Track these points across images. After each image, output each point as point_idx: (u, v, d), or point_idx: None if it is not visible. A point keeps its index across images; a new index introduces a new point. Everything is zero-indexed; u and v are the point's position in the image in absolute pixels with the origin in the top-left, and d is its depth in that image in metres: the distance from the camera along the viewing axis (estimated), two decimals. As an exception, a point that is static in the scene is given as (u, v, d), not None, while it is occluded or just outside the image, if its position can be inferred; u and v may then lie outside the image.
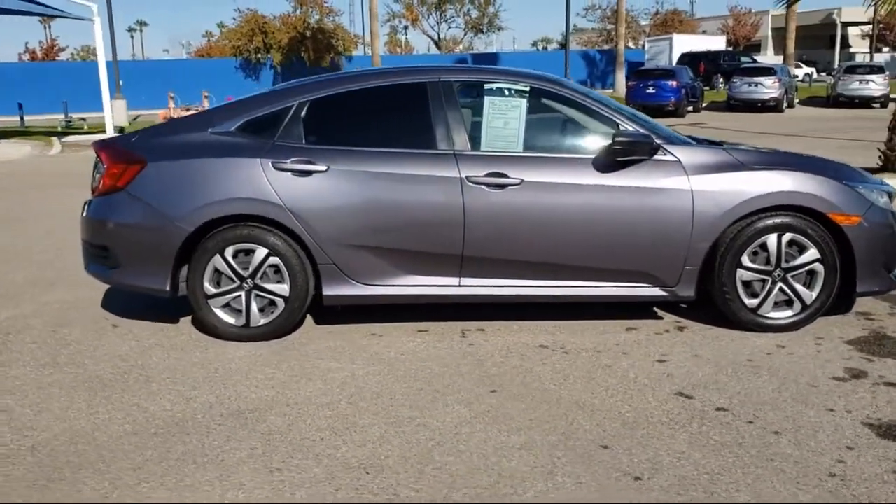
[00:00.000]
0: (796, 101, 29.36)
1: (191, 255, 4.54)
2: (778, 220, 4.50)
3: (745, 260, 4.54)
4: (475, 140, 4.61)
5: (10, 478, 3.10)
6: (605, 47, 48.15)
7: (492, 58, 43.24)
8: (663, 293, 4.62)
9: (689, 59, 32.96)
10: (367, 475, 3.07)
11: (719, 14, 56.85)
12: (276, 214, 4.46)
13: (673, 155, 4.53)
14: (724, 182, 4.50)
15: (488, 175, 4.47)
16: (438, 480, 3.02)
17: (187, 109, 25.94)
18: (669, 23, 49.25)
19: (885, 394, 3.74)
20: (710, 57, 33.50)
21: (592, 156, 4.56)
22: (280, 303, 4.57)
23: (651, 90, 24.80)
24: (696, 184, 4.48)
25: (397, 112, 4.75)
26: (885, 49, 57.82)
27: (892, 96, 28.57)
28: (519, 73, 4.89)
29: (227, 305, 4.59)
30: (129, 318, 5.10)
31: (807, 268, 4.55)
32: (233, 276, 4.53)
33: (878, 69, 28.49)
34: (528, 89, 4.73)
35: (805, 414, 3.54)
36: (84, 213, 4.80)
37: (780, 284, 4.58)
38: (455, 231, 4.48)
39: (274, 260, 4.50)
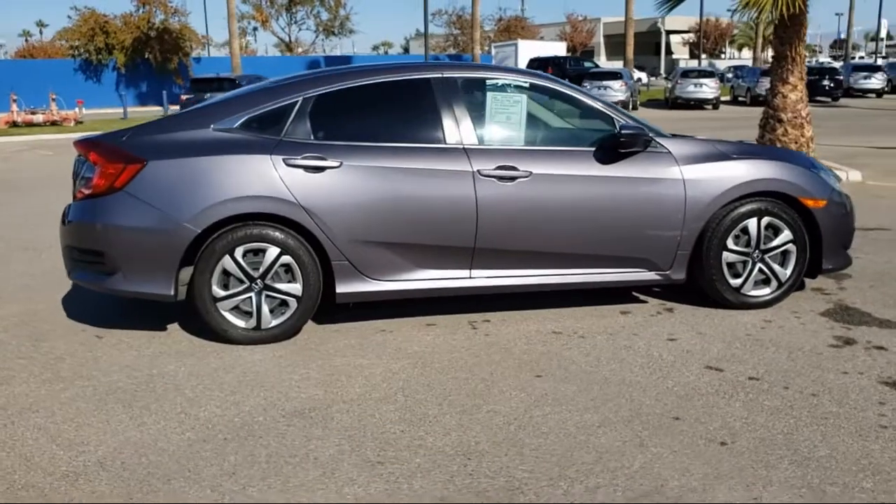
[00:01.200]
0: (638, 103, 31.18)
1: (195, 258, 4.35)
2: (757, 205, 4.89)
3: (730, 243, 4.90)
4: (481, 135, 4.70)
5: (97, 494, 2.93)
6: (452, 51, 49.10)
7: (346, 60, 43.09)
8: (658, 277, 4.90)
9: (538, 64, 34.22)
10: (470, 461, 3.12)
11: (557, 21, 59.37)
12: (289, 212, 4.37)
13: (664, 147, 4.82)
14: (711, 171, 4.83)
15: (498, 168, 4.58)
16: (544, 460, 3.11)
17: (33, 113, 24.21)
18: (513, 29, 50.88)
19: (882, 356, 4.18)
20: (557, 62, 34.93)
21: (592, 149, 4.77)
22: (293, 303, 4.48)
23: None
24: (686, 173, 4.79)
25: (404, 107, 4.77)
26: (704, 56, 62.37)
27: (722, 99, 30.98)
28: (518, 70, 5.04)
29: (235, 308, 4.45)
30: (107, 327, 4.82)
31: (782, 248, 4.97)
32: (242, 277, 4.40)
33: (710, 74, 30.77)
34: (527, 85, 4.88)
35: (826, 378, 3.90)
36: (68, 218, 4.50)
37: (759, 265, 4.97)
38: (468, 224, 4.56)
39: (286, 259, 4.41)
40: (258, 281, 4.43)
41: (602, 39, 59.40)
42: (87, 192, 4.42)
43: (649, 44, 59.00)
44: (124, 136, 4.50)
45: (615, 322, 4.81)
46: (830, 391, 3.73)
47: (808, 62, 57.09)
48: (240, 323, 4.45)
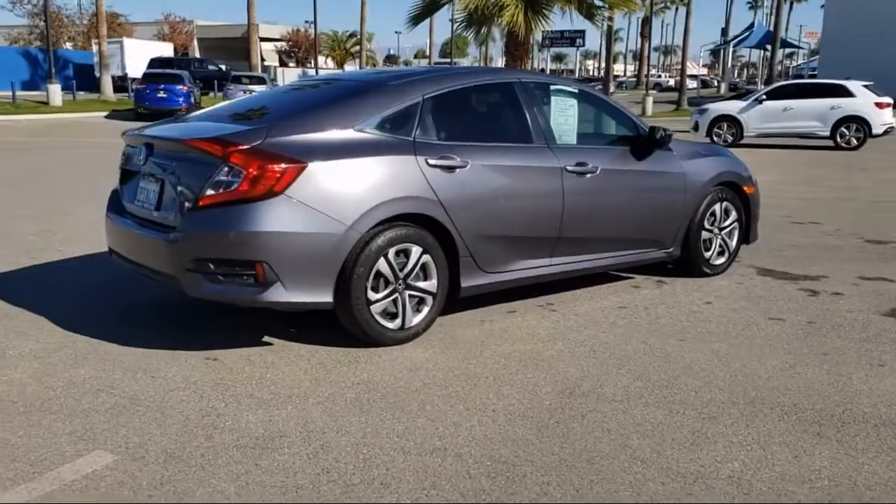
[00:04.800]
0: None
1: (351, 261, 4.29)
2: (722, 193, 6.17)
3: (706, 223, 6.11)
4: (555, 134, 5.26)
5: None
6: (38, 44, 44.13)
7: None
8: (664, 255, 5.92)
9: (160, 63, 32.82)
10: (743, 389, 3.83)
11: (152, 20, 56.48)
12: (434, 211, 4.50)
13: (668, 147, 5.86)
14: (697, 166, 5.99)
15: (577, 164, 5.20)
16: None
17: None
18: (109, 26, 47.16)
19: (854, 297, 5.69)
20: (181, 64, 33.80)
21: (627, 147, 5.61)
22: (429, 300, 4.60)
23: (162, 94, 24.40)
24: (684, 167, 5.88)
25: (499, 109, 5.10)
26: (292, 64, 64.58)
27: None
28: (566, 80, 5.65)
29: (383, 310, 4.46)
30: (209, 349, 4.43)
31: (731, 226, 6.32)
32: (392, 278, 4.43)
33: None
34: (577, 91, 5.54)
35: (844, 314, 5.27)
36: (193, 227, 4.06)
37: (718, 239, 6.26)
38: (556, 215, 5.11)
39: (425, 258, 4.53)
40: (401, 281, 4.46)
41: (196, 43, 58.05)
42: (230, 197, 4.04)
43: (241, 49, 59.12)
44: (260, 138, 4.16)
45: (644, 295, 5.69)
46: (866, 328, 5.07)
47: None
48: (389, 324, 4.44)
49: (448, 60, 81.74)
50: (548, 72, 67.56)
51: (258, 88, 28.30)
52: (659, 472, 3.08)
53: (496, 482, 2.98)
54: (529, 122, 5.04)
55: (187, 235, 4.05)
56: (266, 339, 4.56)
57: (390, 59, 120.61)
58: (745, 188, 6.29)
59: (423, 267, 4.49)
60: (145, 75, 26.11)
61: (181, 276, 4.07)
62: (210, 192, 4.03)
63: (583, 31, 35.46)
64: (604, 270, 5.68)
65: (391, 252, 4.33)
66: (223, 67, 38.81)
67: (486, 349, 4.46)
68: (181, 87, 24.83)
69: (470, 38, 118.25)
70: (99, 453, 3.15)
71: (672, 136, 5.65)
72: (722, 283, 6.02)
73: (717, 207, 6.09)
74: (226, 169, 4.00)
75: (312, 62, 64.12)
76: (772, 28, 40.16)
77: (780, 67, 59.45)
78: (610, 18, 15.19)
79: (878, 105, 19.89)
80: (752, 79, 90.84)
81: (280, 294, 4.06)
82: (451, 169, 4.54)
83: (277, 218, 4.00)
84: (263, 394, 3.79)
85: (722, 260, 6.26)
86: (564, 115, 5.34)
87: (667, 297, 5.61)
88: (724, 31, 66.38)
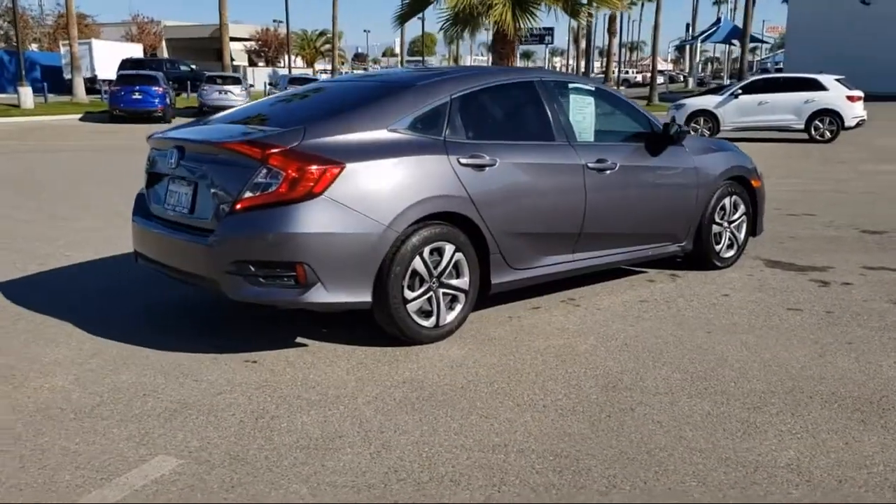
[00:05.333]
0: (250, 107, 31.43)
1: (388, 260, 4.31)
2: (731, 187, 6.28)
3: (716, 217, 6.21)
4: (575, 132, 5.32)
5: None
6: (1, 46, 43.37)
7: None
8: (678, 248, 6.01)
9: (132, 64, 32.46)
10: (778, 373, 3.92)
11: (119, 21, 55.70)
12: (465, 209, 4.54)
13: (681, 143, 5.95)
14: (708, 161, 6.08)
15: (597, 161, 5.27)
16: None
17: None
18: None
19: (864, 287, 5.83)
20: (153, 65, 33.43)
21: (642, 143, 5.69)
22: (461, 297, 4.64)
23: (137, 96, 24.12)
24: (696, 162, 5.97)
25: (522, 107, 5.14)
26: (261, 63, 64.15)
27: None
28: (582, 78, 5.71)
29: (418, 309, 4.49)
30: (245, 351, 4.44)
31: (740, 219, 6.43)
32: (426, 276, 4.47)
33: (313, 80, 32.37)
34: (593, 89, 5.60)
35: (859, 304, 5.40)
36: (233, 230, 4.06)
37: (728, 233, 6.37)
38: (578, 211, 5.17)
39: (458, 256, 4.57)
40: (435, 279, 4.49)
41: (164, 43, 57.41)
42: (269, 199, 4.04)
43: (210, 49, 58.66)
44: (295, 140, 4.17)
45: (662, 289, 5.78)
46: (883, 316, 5.20)
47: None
48: (424, 323, 4.48)
49: (418, 59, 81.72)
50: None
51: (233, 89, 28.20)
52: (719, 462, 3.14)
53: (563, 476, 3.02)
54: (551, 119, 5.09)
55: (227, 238, 4.04)
56: (299, 340, 4.57)
57: (358, 57, 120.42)
58: (752, 182, 6.40)
59: (456, 265, 4.53)
60: (119, 77, 25.80)
61: (221, 279, 4.07)
62: (248, 194, 4.02)
63: (552, 29, 35.86)
64: (621, 265, 5.75)
65: (426, 251, 4.36)
66: (194, 68, 38.37)
67: (520, 345, 4.50)
68: (156, 88, 24.56)
69: (438, 37, 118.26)
70: (162, 458, 3.15)
71: (687, 132, 5.73)
72: (733, 276, 6.13)
73: (726, 201, 6.19)
74: (264, 171, 4.01)
75: (283, 61, 63.79)
76: (740, 24, 40.69)
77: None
78: (589, 15, 15.28)
79: (850, 98, 20.29)
80: (716, 73, 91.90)
81: (321, 295, 4.07)
82: (480, 167, 4.58)
83: (317, 219, 4.01)
84: (311, 395, 3.80)
85: (731, 253, 6.36)
86: (582, 113, 5.40)
87: (683, 290, 5.70)
88: (689, 27, 67.19)
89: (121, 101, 24.16)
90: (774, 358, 4.33)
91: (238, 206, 4.04)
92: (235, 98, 27.73)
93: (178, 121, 25.20)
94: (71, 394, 3.79)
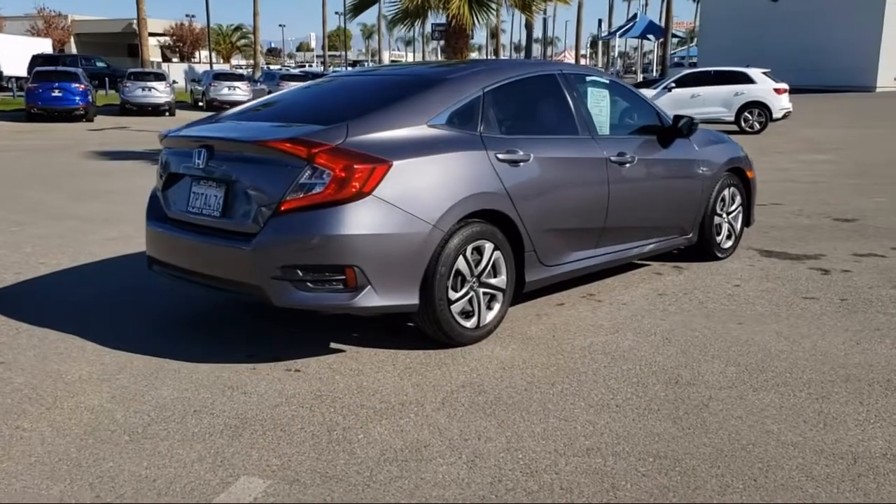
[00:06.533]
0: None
1: (433, 261, 4.18)
2: (729, 179, 6.35)
3: (718, 208, 6.28)
4: (595, 125, 5.27)
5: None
6: None
7: None
8: (684, 240, 6.05)
9: (43, 60, 31.01)
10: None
11: (21, 14, 53.10)
12: (504, 207, 4.44)
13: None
14: (711, 153, 6.14)
15: (618, 155, 5.24)
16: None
17: None
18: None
19: (864, 274, 5.98)
20: (67, 60, 31.99)
21: (654, 136, 5.69)
22: (499, 296, 4.54)
23: (57, 93, 23.00)
24: (702, 155, 6.02)
25: (545, 100, 5.05)
26: (175, 59, 62.33)
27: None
28: (598, 71, 5.66)
29: (461, 309, 4.38)
30: (281, 360, 4.22)
31: (737, 210, 6.52)
32: (468, 276, 4.35)
33: (240, 77, 31.62)
34: (608, 82, 5.56)
35: (867, 291, 5.53)
36: (282, 232, 3.86)
37: (726, 224, 6.45)
38: (602, 205, 5.13)
39: (496, 254, 4.47)
40: (475, 279, 4.39)
41: (73, 39, 55.05)
42: (316, 199, 3.85)
43: (122, 45, 56.71)
44: (339, 138, 3.98)
45: (671, 282, 5.80)
46: (866, 298, 5.34)
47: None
48: (466, 323, 4.36)
49: (335, 53, 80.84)
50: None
51: (158, 86, 27.23)
52: (816, 454, 3.13)
53: (672, 478, 2.95)
54: (574, 113, 5.03)
55: (272, 242, 3.82)
56: (333, 345, 4.38)
57: (272, 52, 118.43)
58: (747, 172, 6.48)
59: (494, 263, 4.41)
60: (37, 73, 24.50)
61: (266, 286, 3.84)
62: (294, 195, 3.82)
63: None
64: (637, 259, 5.73)
65: (468, 249, 4.23)
66: (108, 64, 36.91)
67: (562, 343, 4.42)
68: (77, 85, 23.47)
69: (355, 32, 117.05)
70: (247, 479, 2.94)
71: (698, 125, 5.75)
72: (735, 266, 6.19)
73: (726, 193, 6.25)
74: (309, 171, 3.80)
75: (198, 57, 62.16)
76: (659, 19, 41.65)
77: (650, 56, 61.77)
78: (541, 10, 15.31)
79: (777, 91, 20.99)
80: (628, 68, 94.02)
81: (371, 299, 3.89)
82: (516, 163, 4.48)
83: (367, 220, 3.84)
84: (374, 403, 3.63)
85: (730, 243, 6.44)
86: (599, 106, 5.35)
87: (695, 282, 5.72)
88: (601, 23, 68.39)
89: (39, 99, 22.98)
90: (815, 347, 4.36)
91: (283, 208, 3.82)
92: (160, 95, 26.82)
93: (101, 119, 24.22)
94: (114, 413, 3.52)
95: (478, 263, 4.31)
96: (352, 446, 3.21)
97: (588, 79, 5.39)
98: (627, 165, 5.20)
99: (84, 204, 9.35)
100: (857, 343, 4.42)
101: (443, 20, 13.00)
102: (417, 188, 4.00)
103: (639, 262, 6.18)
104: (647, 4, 79.01)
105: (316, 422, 3.43)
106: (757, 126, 20.44)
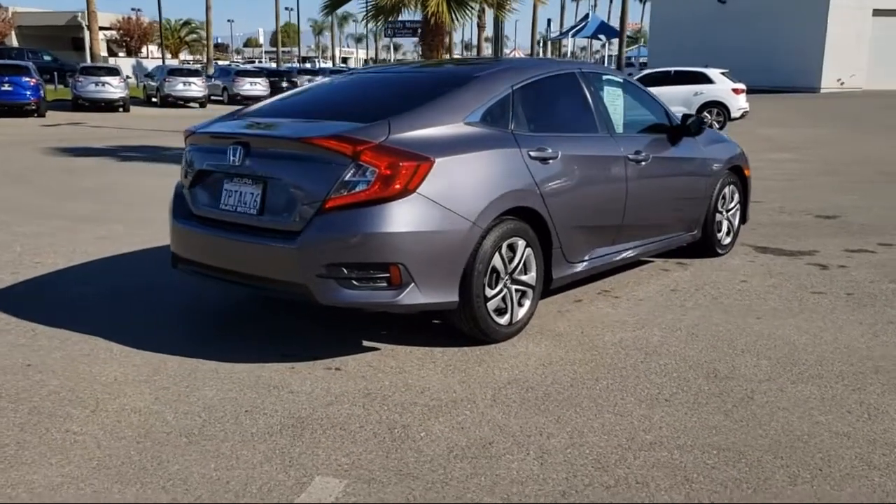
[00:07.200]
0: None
1: (472, 258, 4.20)
2: (729, 177, 6.49)
3: (719, 206, 6.41)
4: (613, 123, 5.34)
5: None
6: None
7: None
8: (690, 238, 6.16)
9: (-11, 54, 30.07)
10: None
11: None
12: (536, 204, 4.48)
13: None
14: (715, 151, 6.26)
15: (635, 153, 5.32)
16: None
17: None
18: None
19: (861, 269, 6.15)
20: (13, 53, 31.07)
21: (664, 134, 5.78)
22: (529, 293, 4.58)
23: (7, 87, 22.33)
24: (707, 153, 6.14)
25: (569, 98, 5.09)
26: (122, 53, 60.94)
27: (212, 96, 31.60)
28: (612, 70, 5.72)
29: (496, 307, 4.40)
30: (319, 359, 4.19)
31: (735, 208, 6.66)
32: (503, 273, 4.38)
33: (196, 72, 31.10)
34: (622, 81, 5.64)
35: (868, 285, 5.70)
36: (328, 231, 3.83)
37: (726, 220, 6.59)
38: (621, 203, 5.20)
39: (528, 251, 4.51)
40: (508, 276, 4.42)
41: (13, 31, 53.33)
42: (361, 197, 3.83)
43: (66, 38, 55.21)
44: (383, 135, 3.96)
45: (679, 278, 5.90)
46: (869, 292, 5.52)
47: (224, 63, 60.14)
48: (500, 320, 4.38)
49: (286, 49, 79.99)
50: (391, 60, 67.47)
51: (112, 81, 26.65)
52: (870, 444, 3.23)
53: (740, 470, 3.01)
54: (594, 111, 5.08)
55: (319, 240, 3.79)
56: (366, 343, 4.36)
57: (219, 47, 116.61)
58: (745, 170, 6.62)
59: (525, 260, 4.44)
60: (-14, 67, 23.76)
61: (311, 284, 3.81)
62: (338, 193, 3.79)
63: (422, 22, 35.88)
64: (649, 255, 5.81)
65: (504, 247, 4.25)
66: (56, 57, 35.91)
67: (594, 340, 4.47)
68: (28, 79, 22.81)
69: (304, 28, 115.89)
70: (323, 479, 2.92)
71: (707, 124, 5.85)
72: (736, 262, 6.33)
73: (726, 190, 6.38)
74: (354, 168, 3.77)
75: (146, 51, 60.89)
76: (608, 19, 42.15)
77: (597, 57, 62.51)
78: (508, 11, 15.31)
79: (735, 91, 21.48)
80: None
81: (414, 297, 3.89)
82: (545, 160, 4.52)
83: (411, 217, 3.83)
84: (425, 400, 3.63)
85: (729, 240, 6.58)
86: (614, 104, 5.41)
87: (702, 278, 5.83)
88: (550, 23, 68.99)
89: (-10, 93, 22.29)
90: (836, 340, 4.48)
91: (327, 206, 3.79)
92: (114, 90, 26.26)
93: (53, 115, 23.59)
94: (163, 415, 3.45)
95: (511, 260, 4.33)
96: (417, 444, 3.20)
97: (604, 77, 5.44)
98: (643, 163, 5.27)
99: (63, 202, 9.11)
100: (875, 336, 4.55)
101: (415, 17, 12.98)
102: (458, 186, 4.00)
103: (644, 258, 6.26)
104: (595, 5, 79.87)
105: (373, 420, 3.41)
106: (716, 125, 20.84)
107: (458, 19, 12.07)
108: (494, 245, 4.17)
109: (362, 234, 3.76)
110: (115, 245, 6.74)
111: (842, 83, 36.37)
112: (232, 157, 4.06)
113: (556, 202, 4.53)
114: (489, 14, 14.10)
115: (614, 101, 5.40)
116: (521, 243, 4.35)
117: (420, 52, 12.99)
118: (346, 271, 3.79)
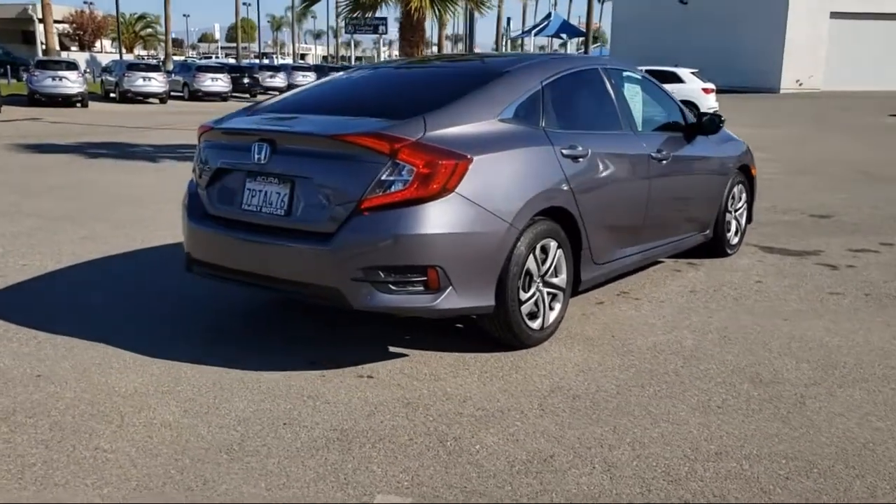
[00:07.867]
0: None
1: (507, 260, 4.04)
2: (738, 176, 6.43)
3: (729, 205, 6.34)
4: (634, 121, 5.22)
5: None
6: None
7: None
8: (703, 238, 6.07)
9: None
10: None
11: None
12: (569, 204, 4.34)
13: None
14: (726, 150, 6.19)
15: (657, 151, 5.22)
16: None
17: None
18: None
19: (870, 268, 6.13)
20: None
21: (681, 132, 5.69)
22: (560, 296, 4.44)
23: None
24: (720, 152, 6.07)
25: (594, 95, 4.95)
26: (75, 48, 59.55)
27: (172, 92, 30.97)
28: (630, 67, 5.60)
29: (529, 311, 4.25)
30: (348, 366, 3.99)
31: (742, 207, 6.61)
32: (535, 275, 4.24)
33: (156, 68, 30.43)
34: (640, 77, 5.52)
35: (882, 285, 5.67)
36: (367, 233, 3.64)
37: (734, 220, 6.53)
38: (644, 202, 5.09)
39: (559, 253, 4.38)
40: (540, 278, 4.27)
41: None
42: (399, 197, 3.65)
43: (16, 32, 53.67)
44: (421, 132, 3.77)
45: (695, 279, 5.82)
46: (886, 293, 5.50)
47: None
48: (532, 324, 4.24)
49: (244, 45, 78.93)
50: (352, 58, 66.99)
51: (69, 75, 25.96)
52: (938, 451, 3.13)
53: (816, 480, 2.91)
54: (618, 108, 4.96)
55: (354, 243, 3.59)
56: (392, 349, 4.17)
57: (175, 42, 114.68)
58: (752, 170, 6.56)
59: (556, 262, 4.29)
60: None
61: (345, 287, 3.61)
62: (374, 192, 3.59)
63: (385, 19, 35.53)
64: (667, 255, 5.71)
65: (537, 248, 4.10)
66: (9, 52, 34.84)
67: (626, 344, 4.34)
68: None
69: (262, 23, 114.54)
70: (384, 497, 2.74)
71: (725, 121, 5.77)
72: (746, 262, 6.26)
73: (735, 190, 6.32)
74: (391, 167, 3.58)
75: (98, 46, 59.56)
76: (568, 18, 42.25)
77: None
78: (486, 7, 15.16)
79: (705, 90, 21.67)
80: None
81: (451, 300, 3.72)
82: (576, 158, 4.38)
83: (450, 218, 3.66)
84: (470, 410, 3.47)
85: (737, 240, 6.52)
86: (633, 101, 5.29)
87: (717, 278, 5.75)
88: (510, 21, 69.14)
89: (-58, 88, 21.47)
90: (867, 342, 4.42)
91: (363, 206, 3.59)
92: (72, 85, 25.55)
93: (8, 110, 22.84)
94: (197, 429, 3.23)
95: (543, 262, 4.17)
96: (475, 458, 3.03)
97: (624, 73, 5.32)
98: (664, 162, 5.16)
99: (35, 201, 8.73)
100: (905, 337, 4.48)
101: (390, 13, 12.77)
102: (495, 185, 3.84)
103: (656, 259, 6.16)
104: (556, 4, 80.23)
105: (420, 432, 3.23)
106: (686, 124, 20.92)
107: (441, 15, 11.88)
108: (529, 246, 4.02)
109: (401, 236, 3.58)
110: (100, 246, 6.45)
111: (800, 84, 36.95)
112: (257, 155, 3.84)
113: (586, 202, 4.38)
114: (459, 11, 13.97)
115: (633, 98, 5.28)
116: (552, 244, 4.20)
117: (400, 49, 12.77)
118: (382, 275, 3.60)
